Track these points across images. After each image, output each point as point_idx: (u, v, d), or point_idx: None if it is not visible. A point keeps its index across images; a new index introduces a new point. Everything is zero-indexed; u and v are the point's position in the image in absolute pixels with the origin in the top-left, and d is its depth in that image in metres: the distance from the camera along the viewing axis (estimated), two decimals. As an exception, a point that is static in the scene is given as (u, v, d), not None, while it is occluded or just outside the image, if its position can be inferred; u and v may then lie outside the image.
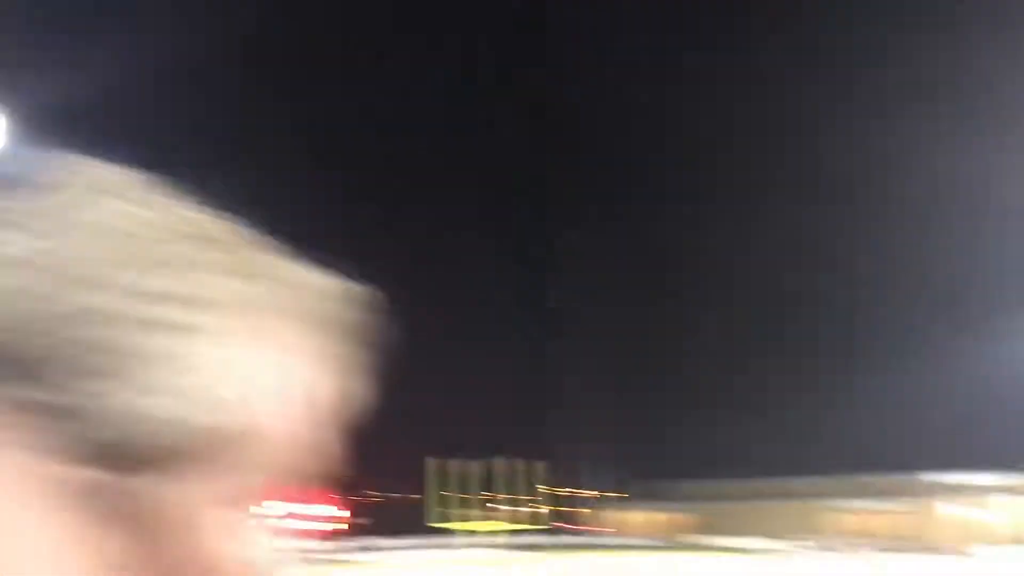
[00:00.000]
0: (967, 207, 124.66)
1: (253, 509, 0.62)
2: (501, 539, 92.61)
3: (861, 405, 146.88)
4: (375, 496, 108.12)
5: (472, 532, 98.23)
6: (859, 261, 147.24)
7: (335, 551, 63.07)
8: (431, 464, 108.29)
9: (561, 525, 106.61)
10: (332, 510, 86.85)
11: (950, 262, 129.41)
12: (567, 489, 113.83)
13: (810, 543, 70.77)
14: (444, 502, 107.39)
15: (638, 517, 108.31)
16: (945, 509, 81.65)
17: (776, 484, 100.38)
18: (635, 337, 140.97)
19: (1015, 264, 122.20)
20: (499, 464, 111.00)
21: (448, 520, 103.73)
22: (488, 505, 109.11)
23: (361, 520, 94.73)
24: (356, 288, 0.69)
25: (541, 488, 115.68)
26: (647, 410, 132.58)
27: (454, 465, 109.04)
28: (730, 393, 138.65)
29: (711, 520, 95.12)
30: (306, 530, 66.77)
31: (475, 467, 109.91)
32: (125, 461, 0.54)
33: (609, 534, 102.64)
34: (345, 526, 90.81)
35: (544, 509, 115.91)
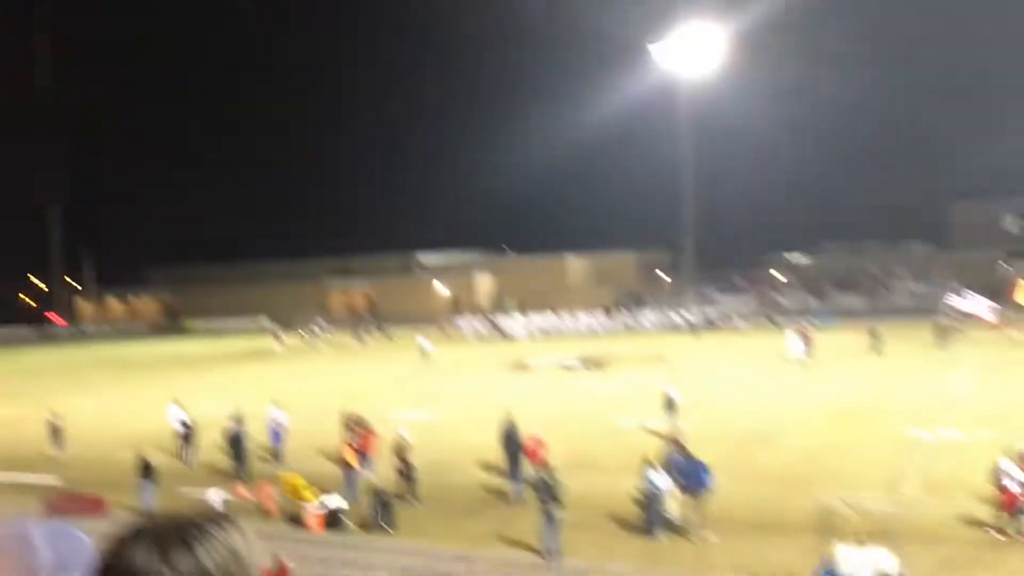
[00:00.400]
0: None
1: None
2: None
3: (350, 188, 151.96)
4: None
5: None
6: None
7: None
8: None
9: (48, 316, 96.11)
10: None
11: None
12: (50, 280, 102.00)
13: (316, 323, 71.14)
14: None
15: (124, 305, 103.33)
16: (436, 286, 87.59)
17: (270, 266, 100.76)
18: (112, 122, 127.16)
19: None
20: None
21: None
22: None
23: None
24: None
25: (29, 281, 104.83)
26: (131, 198, 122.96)
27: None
28: (214, 178, 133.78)
29: (201, 303, 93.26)
30: None
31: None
32: None
33: (97, 323, 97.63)
34: None
35: (30, 301, 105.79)
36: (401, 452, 18.99)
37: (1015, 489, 14.74)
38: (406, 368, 44.58)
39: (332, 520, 17.49)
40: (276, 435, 24.33)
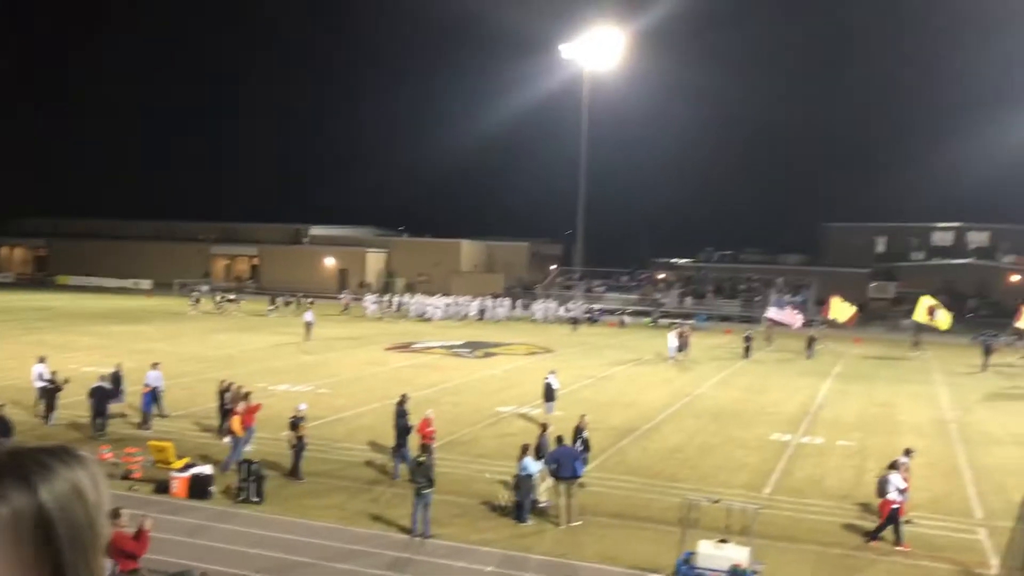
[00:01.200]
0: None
1: None
2: None
3: (248, 158, 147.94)
4: None
5: None
6: None
7: None
8: None
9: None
10: None
11: None
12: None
13: (201, 284, 69.18)
14: None
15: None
16: (326, 258, 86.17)
17: (152, 226, 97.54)
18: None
19: None
20: None
21: None
22: None
23: None
24: None
25: None
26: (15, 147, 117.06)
27: None
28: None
29: (75, 259, 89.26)
30: None
31: None
32: None
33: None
34: None
35: None
36: (296, 426, 18.65)
37: (896, 498, 15.51)
38: (289, 339, 43.82)
39: (198, 488, 17.08)
40: (151, 397, 23.62)
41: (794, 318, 46.27)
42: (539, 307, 65.41)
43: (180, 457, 18.45)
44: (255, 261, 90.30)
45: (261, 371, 32.88)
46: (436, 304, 62.18)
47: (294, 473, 18.43)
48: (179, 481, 17.19)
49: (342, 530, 15.44)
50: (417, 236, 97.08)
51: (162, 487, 17.31)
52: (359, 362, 36.85)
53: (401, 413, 19.78)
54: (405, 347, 42.89)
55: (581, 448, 18.38)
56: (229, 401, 21.75)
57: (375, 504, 16.97)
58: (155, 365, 24.59)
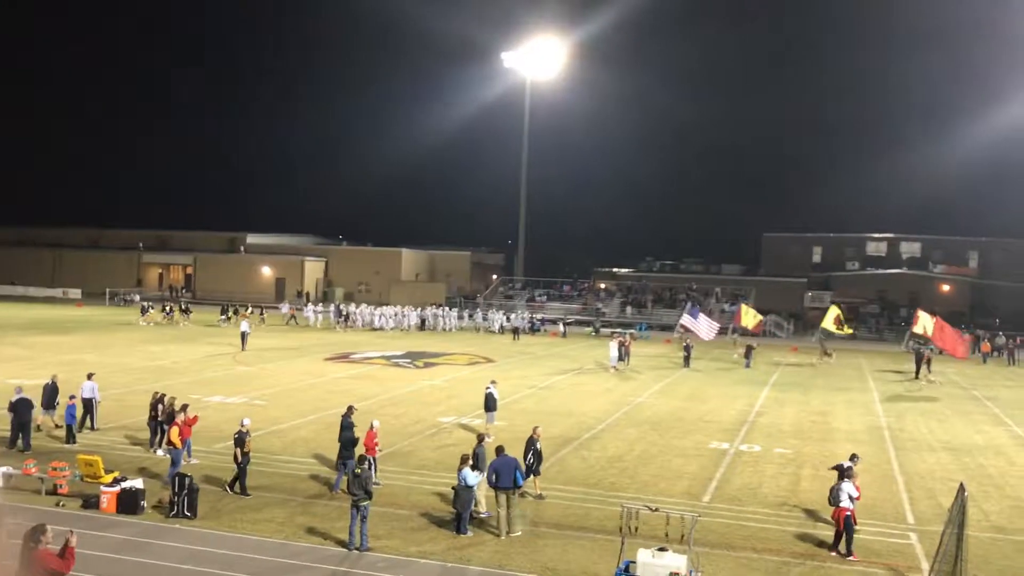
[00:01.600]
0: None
1: None
2: None
3: (180, 164, 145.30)
4: None
5: None
6: None
7: None
8: None
9: None
10: None
11: None
12: None
13: (134, 293, 67.61)
14: None
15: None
16: (263, 267, 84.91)
17: (82, 233, 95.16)
18: None
19: None
20: None
21: None
22: None
23: None
24: None
25: None
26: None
27: None
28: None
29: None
30: None
31: None
32: None
33: None
34: None
35: None
36: (240, 441, 18.17)
37: (849, 505, 15.65)
38: (224, 350, 43.00)
39: (129, 502, 16.58)
40: (84, 409, 22.99)
41: (706, 328, 46.90)
42: (480, 316, 65.26)
43: (109, 471, 17.90)
44: (189, 270, 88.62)
45: (195, 382, 32.18)
46: (386, 313, 61.64)
47: (242, 490, 17.98)
48: (108, 496, 16.66)
49: (278, 544, 15.10)
50: (357, 245, 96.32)
51: (91, 502, 16.76)
52: (296, 373, 36.30)
53: (347, 425, 19.51)
54: (343, 357, 42.39)
55: (533, 460, 18.30)
56: (162, 414, 21.21)
57: (312, 517, 16.65)
58: (90, 376, 23.98)
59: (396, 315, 61.63)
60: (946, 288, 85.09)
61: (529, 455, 18.36)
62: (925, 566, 14.82)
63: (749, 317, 48.59)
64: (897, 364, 46.44)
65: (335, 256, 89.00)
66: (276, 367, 37.94)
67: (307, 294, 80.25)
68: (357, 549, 14.83)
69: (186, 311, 60.49)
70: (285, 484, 18.74)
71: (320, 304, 68.80)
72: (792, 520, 17.60)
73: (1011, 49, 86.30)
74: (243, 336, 43.66)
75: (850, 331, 44.71)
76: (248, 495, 17.82)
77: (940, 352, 42.82)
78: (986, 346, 54.62)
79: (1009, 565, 15.28)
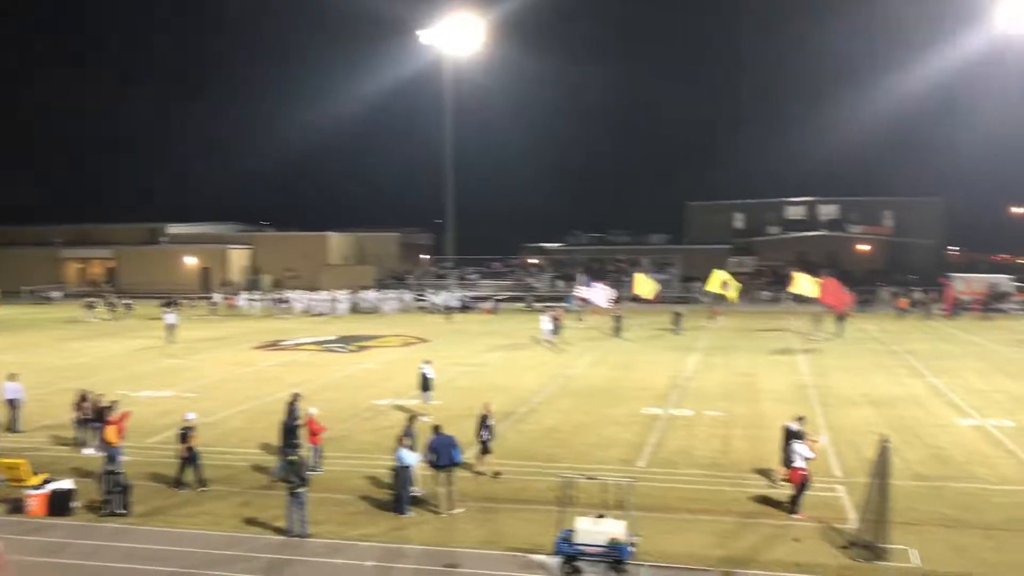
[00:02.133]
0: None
1: None
2: None
3: (94, 155, 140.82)
4: None
5: None
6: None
7: None
8: None
9: None
10: None
11: None
12: None
13: (52, 290, 65.51)
14: None
15: None
16: (186, 257, 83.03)
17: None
18: None
19: None
20: None
21: None
22: None
23: None
24: None
25: None
26: None
27: None
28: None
29: None
30: None
31: None
32: None
33: None
34: None
35: None
36: (185, 437, 17.80)
37: (803, 466, 16.03)
38: (150, 343, 42.07)
39: (58, 504, 16.19)
40: (8, 410, 22.36)
41: (602, 296, 47.60)
42: (411, 296, 64.98)
43: (37, 473, 17.44)
44: (111, 264, 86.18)
45: (121, 378, 31.45)
46: (321, 298, 61.09)
47: (200, 482, 17.65)
48: (36, 499, 16.24)
49: (215, 536, 14.94)
50: (282, 231, 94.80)
51: (17, 506, 16.32)
52: (226, 363, 35.72)
53: (291, 412, 19.34)
54: (273, 345, 41.85)
55: (488, 437, 18.35)
56: (90, 411, 20.72)
57: (250, 508, 16.49)
58: (13, 376, 23.26)
59: (331, 300, 61.21)
60: (863, 248, 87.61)
61: (483, 432, 18.39)
62: (853, 516, 15.37)
63: (644, 286, 49.28)
64: (819, 324, 47.72)
65: (260, 243, 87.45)
66: (205, 358, 37.27)
67: (237, 283, 78.81)
68: (296, 536, 14.76)
69: (128, 306, 59.90)
70: (221, 476, 18.48)
71: (249, 292, 67.67)
72: (725, 480, 18.06)
73: (923, 8, 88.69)
74: (169, 328, 42.74)
75: (735, 294, 46.15)
76: (206, 487, 17.56)
77: (829, 309, 44.38)
78: (903, 302, 56.48)
79: (931, 510, 15.94)
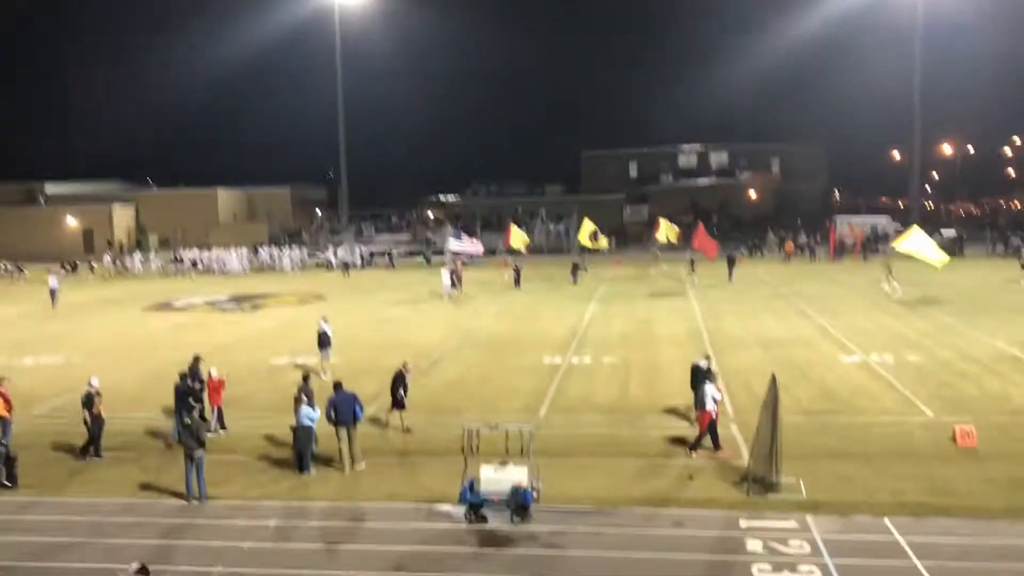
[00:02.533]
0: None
1: None
2: None
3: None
4: None
5: None
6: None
7: None
8: None
9: None
10: None
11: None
12: None
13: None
14: None
15: None
16: (67, 218, 79.35)
17: None
18: None
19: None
20: None
21: None
22: None
23: None
24: None
25: None
26: None
27: None
28: None
29: None
30: None
31: None
32: None
33: None
34: None
35: None
36: (88, 403, 17.04)
37: (712, 407, 16.38)
38: (33, 308, 40.23)
39: (-63, 480, 15.42)
40: None
41: (475, 247, 48.03)
42: (306, 253, 63.86)
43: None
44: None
45: (3, 345, 30.04)
46: (231, 257, 59.59)
47: (96, 452, 17.02)
48: (-88, 475, 15.42)
49: (109, 504, 14.52)
50: (168, 188, 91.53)
51: None
52: (114, 326, 34.51)
53: (193, 374, 18.84)
54: (165, 306, 40.59)
55: (403, 394, 18.15)
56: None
57: (147, 473, 16.07)
58: None
59: (201, 259, 59.93)
60: (752, 194, 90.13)
61: (399, 390, 18.22)
62: (745, 453, 15.97)
63: (518, 237, 49.76)
64: (712, 269, 49.06)
65: (146, 202, 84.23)
66: (92, 322, 35.89)
67: (121, 244, 75.84)
68: (196, 500, 14.47)
69: (20, 269, 57.53)
70: (114, 443, 17.89)
71: (142, 253, 65.30)
72: (623, 422, 18.49)
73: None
74: (52, 293, 40.93)
75: (604, 244, 47.40)
76: (102, 457, 16.95)
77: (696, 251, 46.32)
78: (789, 246, 58.45)
79: (820, 443, 16.69)
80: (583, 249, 53.17)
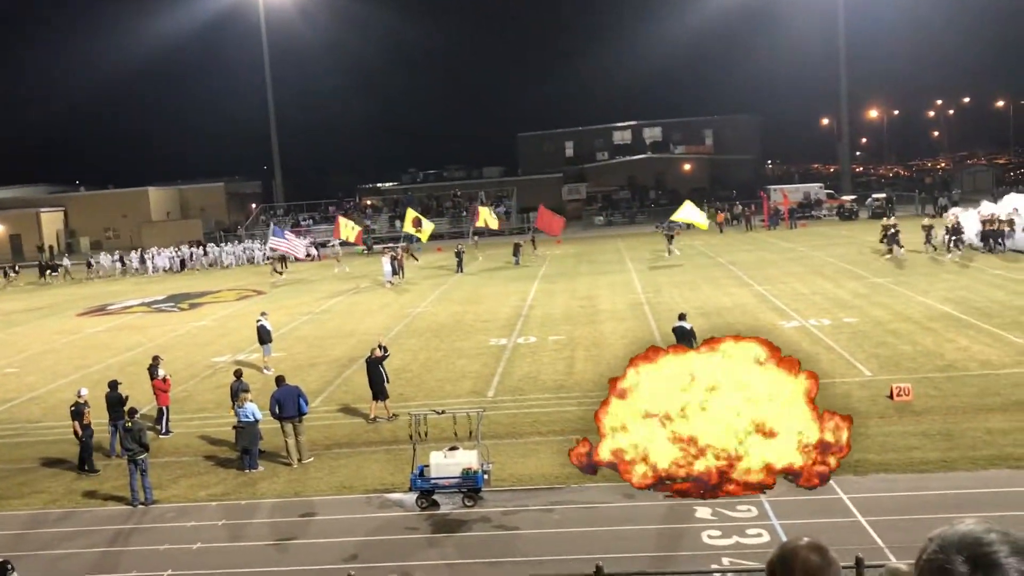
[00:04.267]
0: None
1: None
2: None
3: None
4: None
5: None
6: None
7: None
8: None
9: None
10: None
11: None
12: None
13: None
14: None
15: None
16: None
17: None
18: None
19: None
20: None
21: None
22: None
23: None
24: None
25: None
26: None
27: None
28: None
29: None
30: None
31: None
32: None
33: None
34: None
35: None
36: (78, 414, 16.45)
37: None
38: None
39: None
40: None
41: (298, 246, 47.52)
42: (243, 248, 62.86)
43: None
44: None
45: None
46: (128, 259, 58.37)
47: (90, 467, 16.37)
48: None
49: (50, 514, 14.18)
50: (97, 189, 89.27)
51: None
52: (48, 333, 33.61)
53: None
54: (100, 310, 39.67)
55: (381, 380, 17.91)
56: None
57: (90, 481, 15.74)
58: None
59: (136, 260, 58.91)
60: (687, 167, 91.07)
61: (376, 377, 17.86)
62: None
63: (348, 230, 49.69)
64: (652, 243, 49.53)
65: (75, 204, 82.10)
66: (25, 330, 34.91)
67: (50, 247, 73.83)
68: (142, 504, 14.22)
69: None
70: (53, 452, 17.49)
71: (58, 256, 63.58)
72: (571, 400, 18.60)
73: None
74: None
75: (427, 232, 47.91)
76: (97, 471, 16.37)
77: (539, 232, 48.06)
78: (720, 216, 59.08)
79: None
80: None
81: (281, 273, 46.86)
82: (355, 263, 52.17)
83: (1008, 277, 29.91)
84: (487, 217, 50.58)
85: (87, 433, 16.40)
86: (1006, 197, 41.44)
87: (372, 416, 18.01)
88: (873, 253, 38.49)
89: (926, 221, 39.84)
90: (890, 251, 36.61)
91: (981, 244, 36.70)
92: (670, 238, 45.62)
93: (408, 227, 47.02)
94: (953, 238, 36.10)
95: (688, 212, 43.93)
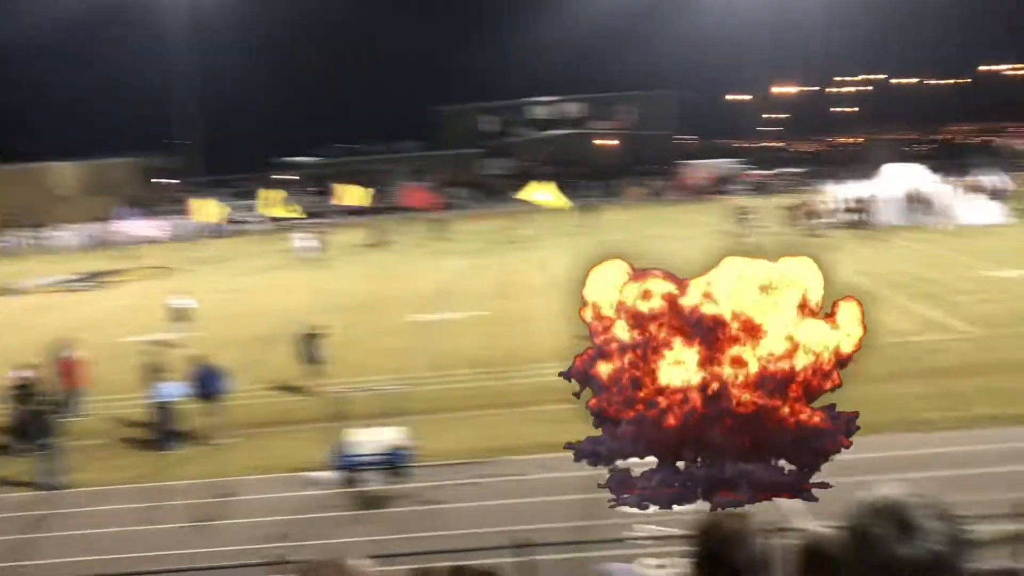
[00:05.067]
0: None
1: None
2: None
3: None
4: None
5: None
6: None
7: None
8: None
9: None
10: None
11: None
12: None
13: None
14: None
15: None
16: None
17: None
18: None
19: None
20: None
21: None
22: None
23: None
24: None
25: None
26: None
27: None
28: None
29: None
30: None
31: None
32: None
33: None
34: None
35: None
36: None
37: None
38: None
39: None
40: None
41: (149, 229, 47.25)
42: (157, 224, 61.13)
43: None
44: None
45: None
46: (33, 237, 56.35)
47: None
48: None
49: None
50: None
51: None
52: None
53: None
54: (7, 291, 38.11)
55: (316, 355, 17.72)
56: None
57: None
58: None
59: (41, 239, 56.96)
60: (607, 142, 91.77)
61: (309, 351, 17.78)
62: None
63: (206, 210, 49.78)
64: (582, 220, 49.86)
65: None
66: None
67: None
68: (52, 489, 13.77)
69: None
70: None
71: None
72: (494, 374, 18.66)
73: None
74: None
75: (293, 212, 48.49)
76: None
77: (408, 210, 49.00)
78: (635, 192, 59.85)
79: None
80: (275, 220, 53.69)
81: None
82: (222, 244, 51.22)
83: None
84: (353, 194, 51.37)
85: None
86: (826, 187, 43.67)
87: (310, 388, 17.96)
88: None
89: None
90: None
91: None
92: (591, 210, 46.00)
93: (279, 211, 46.73)
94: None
95: (540, 194, 45.32)
